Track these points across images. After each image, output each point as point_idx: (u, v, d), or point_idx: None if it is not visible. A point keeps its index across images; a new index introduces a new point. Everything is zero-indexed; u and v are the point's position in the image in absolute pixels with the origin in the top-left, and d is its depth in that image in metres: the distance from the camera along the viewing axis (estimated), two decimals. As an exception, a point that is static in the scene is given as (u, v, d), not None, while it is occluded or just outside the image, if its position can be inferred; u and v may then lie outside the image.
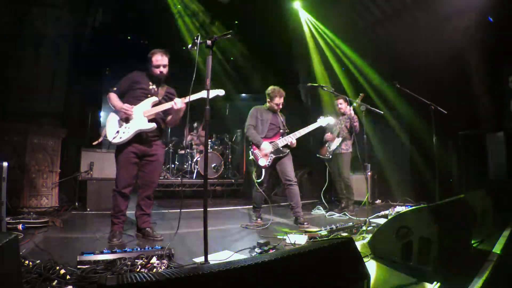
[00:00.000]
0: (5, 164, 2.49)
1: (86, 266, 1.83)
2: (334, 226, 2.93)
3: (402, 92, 3.87)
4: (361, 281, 1.31)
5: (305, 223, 3.40)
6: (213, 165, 6.43)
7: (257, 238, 2.84)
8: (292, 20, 6.44)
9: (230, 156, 7.00)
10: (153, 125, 2.73)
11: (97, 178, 4.57)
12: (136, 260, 1.91)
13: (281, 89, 3.70)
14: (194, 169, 6.44)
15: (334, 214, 4.29)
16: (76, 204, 4.37)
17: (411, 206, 4.19)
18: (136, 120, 2.71)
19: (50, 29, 4.83)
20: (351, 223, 3.13)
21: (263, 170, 3.51)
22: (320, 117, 3.86)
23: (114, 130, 2.71)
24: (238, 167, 7.60)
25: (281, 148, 3.56)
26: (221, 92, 2.78)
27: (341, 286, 1.24)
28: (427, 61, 5.02)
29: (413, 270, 1.90)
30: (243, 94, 9.30)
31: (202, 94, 2.62)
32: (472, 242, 2.45)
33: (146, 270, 1.84)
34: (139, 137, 2.73)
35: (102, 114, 6.76)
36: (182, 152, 6.71)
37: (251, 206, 3.83)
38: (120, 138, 2.66)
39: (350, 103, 4.47)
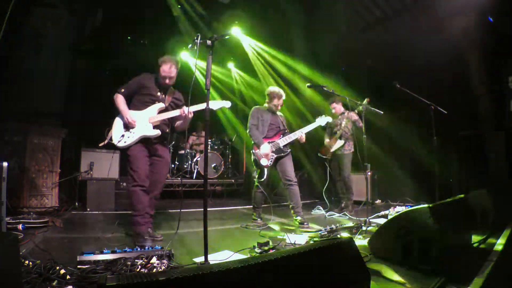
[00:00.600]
0: (5, 164, 2.49)
1: (86, 266, 1.83)
2: (334, 226, 2.93)
3: (402, 92, 3.87)
4: (361, 281, 1.31)
5: (305, 223, 3.40)
6: (213, 165, 6.43)
7: (257, 238, 2.84)
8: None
9: (230, 156, 7.00)
10: (157, 132, 2.74)
11: (97, 178, 4.57)
12: (136, 260, 1.91)
13: (281, 90, 3.70)
14: (194, 169, 6.43)
15: (334, 214, 4.29)
16: (76, 204, 4.37)
17: (411, 206, 4.19)
18: (141, 125, 2.73)
19: (50, 29, 4.83)
20: (351, 223, 3.14)
21: (265, 170, 3.52)
22: (319, 116, 3.86)
23: (120, 133, 2.73)
24: (238, 167, 7.60)
25: (282, 148, 3.57)
26: (227, 104, 2.82)
27: (341, 286, 1.24)
28: (427, 61, 5.02)
29: (413, 270, 1.90)
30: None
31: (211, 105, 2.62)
32: (472, 242, 2.45)
33: (146, 270, 1.84)
34: (145, 141, 2.76)
35: (102, 114, 6.76)
36: (182, 152, 6.70)
37: (251, 206, 3.83)
38: (125, 142, 2.68)
39: (351, 108, 4.44)
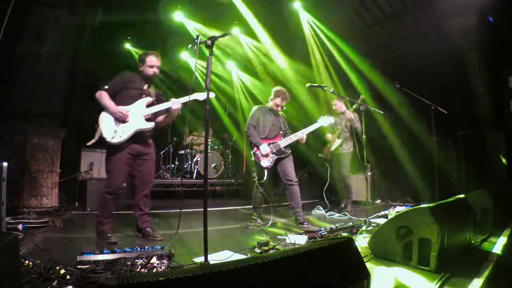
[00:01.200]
0: (5, 164, 2.49)
1: (86, 266, 1.83)
2: (334, 226, 2.93)
3: (402, 92, 3.88)
4: (361, 281, 1.31)
5: (305, 223, 3.40)
6: (213, 165, 6.43)
7: (257, 238, 2.84)
8: (293, 20, 6.45)
9: (230, 156, 7.00)
10: (152, 124, 2.78)
11: (97, 178, 4.57)
12: (136, 260, 1.91)
13: (286, 92, 3.68)
14: (194, 169, 6.43)
15: (334, 214, 4.29)
16: (76, 204, 4.37)
17: (411, 206, 4.19)
18: (134, 119, 2.73)
19: (50, 29, 4.83)
20: (351, 223, 3.13)
21: (265, 171, 3.52)
22: (321, 117, 3.86)
23: (112, 129, 2.67)
24: (238, 167, 7.59)
25: (283, 149, 3.57)
26: (211, 95, 2.81)
27: (341, 286, 1.24)
28: (427, 61, 5.02)
29: (413, 270, 1.90)
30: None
31: (196, 96, 2.78)
32: (472, 242, 2.45)
33: (146, 270, 1.84)
34: (136, 136, 2.75)
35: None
36: (182, 152, 6.70)
37: (251, 206, 3.83)
38: (120, 137, 2.66)
39: (351, 104, 4.48)
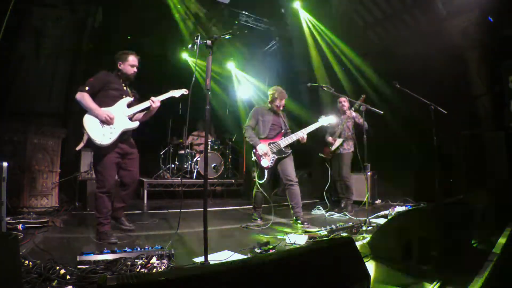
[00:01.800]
0: (5, 164, 2.49)
1: (86, 266, 1.83)
2: (334, 226, 2.93)
3: (402, 92, 3.87)
4: (361, 281, 1.31)
5: (305, 223, 3.40)
6: (213, 165, 6.43)
7: (257, 238, 2.84)
8: (292, 19, 6.45)
9: (230, 156, 6.99)
10: (136, 123, 2.88)
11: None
12: (136, 260, 1.91)
13: (283, 90, 3.69)
14: (194, 169, 6.43)
15: (334, 214, 4.29)
16: (76, 204, 4.37)
17: (411, 206, 4.19)
18: (119, 120, 2.76)
19: (50, 29, 4.83)
20: (351, 223, 3.13)
21: (266, 171, 3.51)
22: (322, 116, 3.86)
23: (99, 132, 2.66)
24: (238, 167, 7.59)
25: (283, 149, 3.56)
26: (185, 91, 2.98)
27: (341, 286, 1.24)
28: (427, 61, 5.02)
29: (413, 270, 1.90)
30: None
31: (172, 93, 2.98)
32: (472, 242, 2.45)
33: (146, 270, 1.84)
34: (122, 136, 2.80)
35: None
36: (182, 152, 6.70)
37: (251, 206, 3.83)
38: (110, 138, 2.68)
39: (351, 104, 4.49)
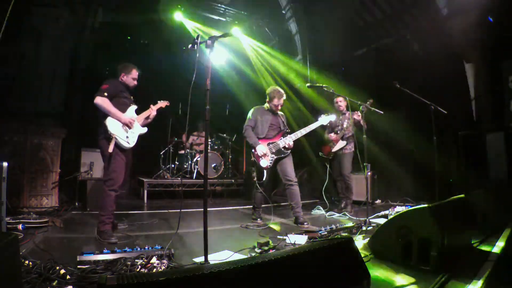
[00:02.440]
0: (5, 164, 2.49)
1: (86, 266, 1.83)
2: (334, 226, 2.93)
3: (402, 92, 3.87)
4: (361, 281, 1.31)
5: (305, 223, 3.40)
6: (213, 165, 6.42)
7: (257, 238, 2.84)
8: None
9: (230, 156, 6.99)
10: (146, 128, 3.10)
11: (97, 178, 4.57)
12: (136, 260, 1.91)
13: (281, 90, 3.70)
14: (194, 169, 6.43)
15: (334, 214, 4.29)
16: (76, 204, 4.37)
17: (411, 206, 4.18)
18: (136, 125, 2.99)
19: (50, 29, 4.83)
20: (351, 223, 3.14)
21: (265, 171, 3.51)
22: (321, 115, 3.86)
23: (124, 135, 2.85)
24: (238, 167, 7.59)
25: (282, 149, 3.56)
26: (167, 102, 3.28)
27: (341, 286, 1.24)
28: (427, 61, 5.02)
29: (413, 270, 1.90)
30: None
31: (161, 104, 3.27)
32: (472, 242, 2.45)
33: (146, 270, 1.84)
34: None
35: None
36: (182, 152, 6.70)
37: (251, 206, 3.83)
38: (133, 142, 2.92)
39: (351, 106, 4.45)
